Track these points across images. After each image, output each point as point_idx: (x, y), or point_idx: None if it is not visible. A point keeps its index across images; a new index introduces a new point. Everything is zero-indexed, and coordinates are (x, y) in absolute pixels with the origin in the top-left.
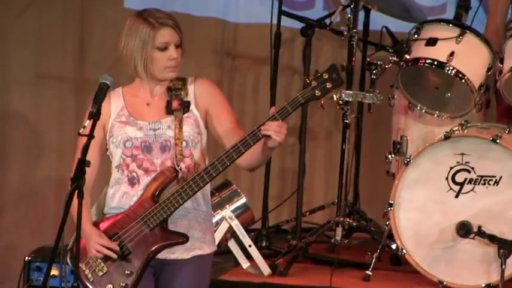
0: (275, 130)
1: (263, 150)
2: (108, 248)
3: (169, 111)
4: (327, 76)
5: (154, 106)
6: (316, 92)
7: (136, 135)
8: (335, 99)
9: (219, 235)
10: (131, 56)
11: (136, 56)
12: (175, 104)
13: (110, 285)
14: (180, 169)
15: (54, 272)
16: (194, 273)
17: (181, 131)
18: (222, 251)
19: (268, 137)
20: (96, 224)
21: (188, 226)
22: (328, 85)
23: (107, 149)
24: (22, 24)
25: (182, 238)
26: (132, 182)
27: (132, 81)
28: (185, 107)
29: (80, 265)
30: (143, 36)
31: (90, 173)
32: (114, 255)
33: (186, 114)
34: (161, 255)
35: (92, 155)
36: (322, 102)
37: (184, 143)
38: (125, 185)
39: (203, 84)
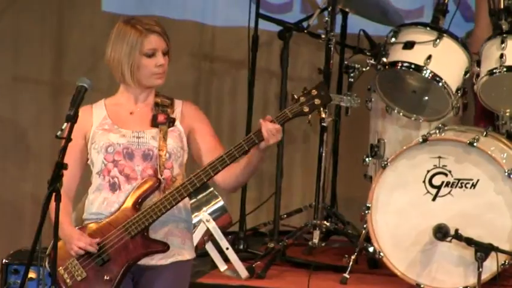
0: (271, 130)
1: (249, 163)
2: (88, 246)
3: (154, 124)
4: (315, 93)
5: (138, 116)
6: (304, 107)
7: (118, 141)
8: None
9: (196, 238)
10: (118, 62)
11: (123, 61)
12: (161, 118)
13: None
14: (163, 179)
15: (31, 274)
16: (173, 279)
17: (165, 142)
18: (200, 253)
19: (259, 143)
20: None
21: (168, 233)
22: (317, 101)
23: (87, 159)
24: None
25: (163, 247)
26: (114, 187)
27: (113, 86)
28: (170, 121)
29: (59, 269)
30: (131, 42)
31: (71, 180)
32: (94, 251)
33: (170, 128)
34: (140, 261)
35: (73, 163)
36: (309, 118)
37: (167, 155)
38: (105, 191)
39: (190, 107)
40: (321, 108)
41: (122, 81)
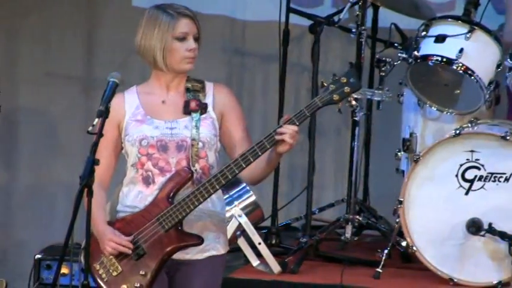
0: (291, 134)
1: (270, 159)
2: (122, 246)
3: (186, 111)
4: (345, 80)
5: (171, 104)
6: (334, 96)
7: (152, 134)
8: (353, 103)
9: (228, 233)
10: (150, 47)
11: (155, 46)
12: (193, 105)
13: (124, 286)
14: (196, 170)
15: (64, 270)
16: (209, 274)
17: (198, 131)
18: (232, 248)
19: (279, 142)
20: (110, 224)
21: (203, 227)
22: (346, 89)
23: (122, 148)
24: (31, 23)
25: (197, 240)
26: (147, 181)
27: (144, 80)
28: (203, 108)
29: (94, 265)
30: (162, 26)
31: (106, 171)
32: (129, 251)
33: (203, 116)
34: (176, 256)
35: (107, 154)
36: (339, 106)
37: (200, 144)
38: (139, 184)
39: (222, 90)
40: (351, 96)
41: (153, 66)
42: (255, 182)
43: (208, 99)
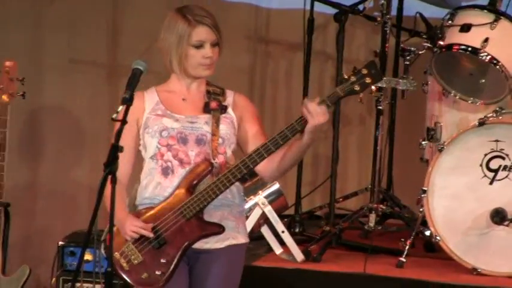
0: (315, 111)
1: (295, 146)
2: (143, 230)
3: (207, 110)
4: (366, 71)
5: (191, 102)
6: (356, 86)
7: (173, 126)
8: (375, 94)
9: (252, 221)
10: (167, 50)
11: (172, 51)
12: (213, 105)
13: (146, 274)
14: (216, 163)
15: (87, 256)
16: (228, 263)
17: (218, 128)
18: (255, 237)
19: (302, 131)
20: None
21: (222, 216)
22: (368, 80)
23: (139, 145)
24: (55, 10)
25: (218, 229)
26: (166, 172)
27: (165, 80)
28: (223, 108)
29: (115, 254)
30: (179, 32)
31: (126, 166)
32: (151, 234)
33: (223, 115)
34: (195, 245)
35: (127, 148)
36: (360, 96)
37: (220, 140)
38: (158, 175)
39: (242, 97)
40: (372, 87)
41: (170, 69)
42: (273, 177)
43: (229, 102)
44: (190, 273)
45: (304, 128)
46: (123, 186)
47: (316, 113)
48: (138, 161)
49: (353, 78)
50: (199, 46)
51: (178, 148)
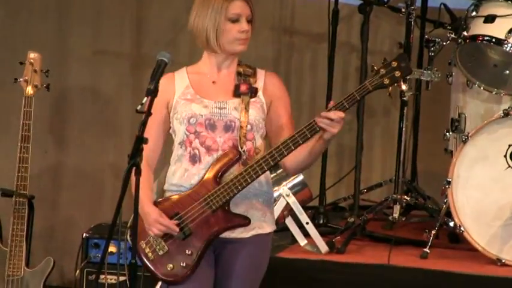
0: (334, 120)
1: (314, 146)
2: (168, 228)
3: (236, 94)
4: (395, 65)
5: (221, 85)
6: (385, 80)
7: (201, 112)
8: (403, 88)
9: (276, 212)
10: (203, 27)
11: (208, 26)
12: (243, 88)
13: (171, 265)
14: (243, 151)
15: (112, 248)
16: (255, 252)
17: (247, 113)
18: (279, 228)
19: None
20: (156, 203)
21: (249, 206)
22: (397, 74)
23: (169, 128)
24: (80, 1)
25: (244, 221)
26: (194, 159)
27: (192, 59)
28: (253, 92)
29: (141, 243)
30: (216, 6)
31: (154, 150)
32: (175, 233)
33: (253, 99)
34: (221, 234)
35: (155, 133)
36: (389, 90)
37: (249, 126)
38: (186, 162)
39: (273, 78)
40: (401, 81)
41: (205, 47)
42: (299, 170)
43: (259, 85)
44: (216, 262)
45: None
46: (150, 170)
47: (332, 125)
48: (168, 144)
49: (382, 71)
50: (235, 20)
51: (206, 135)
